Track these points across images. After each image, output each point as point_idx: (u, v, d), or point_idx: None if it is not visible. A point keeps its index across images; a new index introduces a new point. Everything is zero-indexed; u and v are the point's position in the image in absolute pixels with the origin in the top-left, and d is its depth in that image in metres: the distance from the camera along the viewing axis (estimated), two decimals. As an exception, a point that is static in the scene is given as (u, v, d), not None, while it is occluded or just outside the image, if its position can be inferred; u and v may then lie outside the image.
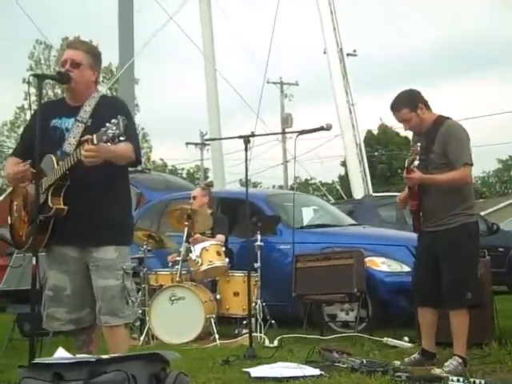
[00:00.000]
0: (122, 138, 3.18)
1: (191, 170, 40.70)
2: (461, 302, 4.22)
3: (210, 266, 6.39)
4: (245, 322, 6.07)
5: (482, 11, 61.49)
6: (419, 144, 4.31)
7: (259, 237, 6.41)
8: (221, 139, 15.07)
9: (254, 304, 6.08)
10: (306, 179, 35.76)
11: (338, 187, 23.99)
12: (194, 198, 7.13)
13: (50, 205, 3.42)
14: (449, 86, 58.10)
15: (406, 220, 8.32)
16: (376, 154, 33.13)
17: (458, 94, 56.94)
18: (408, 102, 4.40)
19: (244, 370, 4.27)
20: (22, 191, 3.61)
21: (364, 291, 5.96)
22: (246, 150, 5.32)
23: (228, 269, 6.51)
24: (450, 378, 3.66)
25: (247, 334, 5.25)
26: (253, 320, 5.87)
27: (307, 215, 8.21)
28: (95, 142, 3.21)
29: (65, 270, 3.53)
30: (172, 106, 52.11)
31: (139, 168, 8.42)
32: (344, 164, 22.76)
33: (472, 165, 4.32)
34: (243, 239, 6.46)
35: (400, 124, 4.58)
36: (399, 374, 3.88)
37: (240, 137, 5.37)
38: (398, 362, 4.38)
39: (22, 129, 31.92)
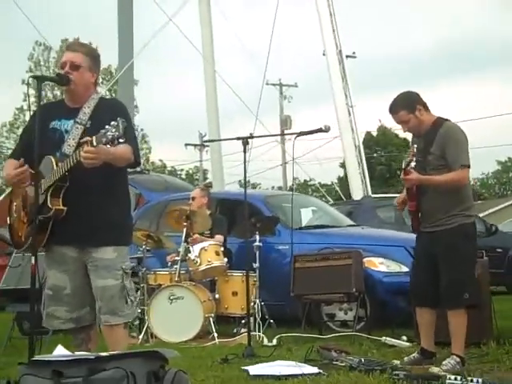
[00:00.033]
0: (121, 140, 3.20)
1: (190, 171, 40.71)
2: (458, 302, 4.24)
3: (208, 266, 6.41)
4: (243, 322, 6.10)
5: (481, 11, 61.61)
6: (415, 145, 4.33)
7: (258, 237, 6.44)
8: (219, 140, 15.10)
9: (252, 303, 6.09)
10: (305, 180, 35.85)
11: (337, 188, 24.05)
12: (193, 198, 7.16)
13: (50, 205, 3.44)
14: (448, 87, 58.21)
15: (405, 221, 8.35)
16: (375, 155, 33.18)
17: (457, 95, 57.10)
18: (406, 104, 4.42)
19: (243, 368, 4.29)
20: (22, 192, 3.63)
21: (362, 291, 5.98)
22: (244, 151, 5.34)
23: (227, 269, 6.53)
24: (448, 376, 3.67)
25: (246, 333, 5.27)
26: (251, 319, 5.90)
27: (306, 216, 8.23)
28: (94, 143, 3.23)
29: (64, 270, 3.55)
30: (171, 107, 52.19)
31: (138, 169, 8.44)
32: (343, 165, 22.79)
33: (469, 167, 4.34)
34: (242, 240, 6.49)
35: (399, 126, 4.61)
36: (397, 372, 3.90)
37: (238, 138, 5.39)
38: (397, 361, 4.40)
39: (21, 130, 31.82)
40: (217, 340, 5.89)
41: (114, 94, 28.67)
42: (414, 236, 4.64)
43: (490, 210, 26.43)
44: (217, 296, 6.45)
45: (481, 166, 39.73)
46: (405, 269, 6.19)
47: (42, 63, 33.29)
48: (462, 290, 4.23)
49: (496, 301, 5.44)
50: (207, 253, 6.44)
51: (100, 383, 2.59)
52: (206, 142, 30.39)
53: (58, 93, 28.76)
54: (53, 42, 30.10)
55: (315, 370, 4.14)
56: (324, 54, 15.74)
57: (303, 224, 7.82)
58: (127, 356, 2.72)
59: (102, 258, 3.49)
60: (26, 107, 31.17)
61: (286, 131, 26.08)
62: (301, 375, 4.00)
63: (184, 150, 34.09)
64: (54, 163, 3.45)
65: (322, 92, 38.65)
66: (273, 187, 33.75)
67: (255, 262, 6.35)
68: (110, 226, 3.50)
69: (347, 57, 16.64)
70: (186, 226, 6.54)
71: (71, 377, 2.60)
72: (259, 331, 6.04)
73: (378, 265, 6.44)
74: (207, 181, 28.04)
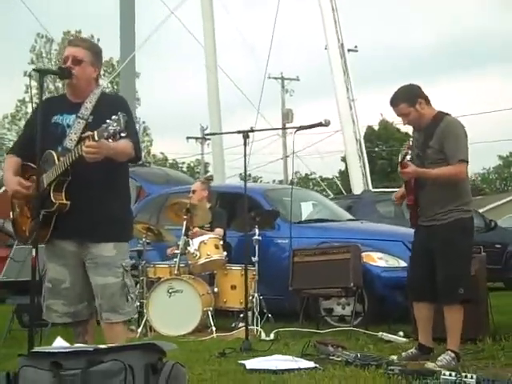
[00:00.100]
0: (122, 135, 3.22)
1: (192, 164, 40.75)
2: (453, 297, 4.27)
3: (207, 260, 6.43)
4: (242, 316, 6.13)
5: (482, 11, 61.44)
6: (411, 139, 4.36)
7: (257, 231, 6.46)
8: (220, 134, 15.12)
9: (250, 297, 6.13)
10: (306, 174, 35.84)
11: (338, 182, 24.05)
12: (194, 191, 7.18)
13: (53, 200, 3.46)
14: (449, 82, 58.13)
15: (405, 215, 8.36)
16: (376, 149, 33.15)
17: (458, 90, 56.95)
18: (407, 97, 4.43)
19: (240, 362, 4.32)
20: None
21: (360, 286, 6.01)
22: (245, 145, 5.36)
23: (226, 262, 6.55)
24: (443, 372, 3.68)
25: (244, 327, 5.30)
26: (249, 313, 5.94)
27: (306, 210, 8.25)
28: (96, 138, 3.25)
29: (64, 264, 3.58)
30: (173, 100, 52.19)
31: (139, 162, 8.46)
32: (344, 159, 22.77)
33: (468, 162, 4.35)
34: (241, 233, 6.52)
35: (401, 120, 4.63)
36: (392, 367, 3.92)
37: (239, 132, 5.41)
38: (394, 357, 4.42)
39: (22, 122, 32.07)
40: (215, 334, 5.92)
41: (115, 87, 28.71)
42: (412, 231, 4.66)
43: (491, 205, 26.45)
44: (215, 290, 6.48)
45: (482, 160, 39.75)
46: (403, 264, 6.21)
47: (43, 55, 33.25)
48: (457, 285, 4.26)
49: (493, 296, 5.47)
50: (206, 246, 6.47)
51: (98, 375, 2.62)
52: (207, 135, 30.39)
53: (60, 85, 28.71)
54: (55, 34, 30.12)
55: (311, 364, 4.17)
56: (326, 48, 15.73)
57: (303, 218, 7.85)
58: (125, 348, 2.75)
59: (101, 255, 3.51)
60: (27, 99, 31.21)
61: (287, 125, 26.09)
62: (297, 369, 4.03)
63: (185, 142, 34.09)
64: (56, 158, 3.47)
65: (323, 86, 38.69)
66: (274, 181, 33.80)
67: (254, 256, 6.38)
68: (111, 221, 3.52)
69: (349, 51, 16.61)
70: (186, 220, 6.57)
71: (70, 368, 2.64)
72: (257, 325, 6.08)
73: (377, 259, 6.47)
74: (208, 174, 28.07)
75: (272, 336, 5.65)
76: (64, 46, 3.97)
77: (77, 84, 3.57)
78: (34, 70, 3.67)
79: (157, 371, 2.75)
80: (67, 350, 2.72)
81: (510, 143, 36.88)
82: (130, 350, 2.73)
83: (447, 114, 4.49)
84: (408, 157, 4.25)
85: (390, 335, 5.33)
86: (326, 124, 5.38)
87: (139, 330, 6.15)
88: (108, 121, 3.21)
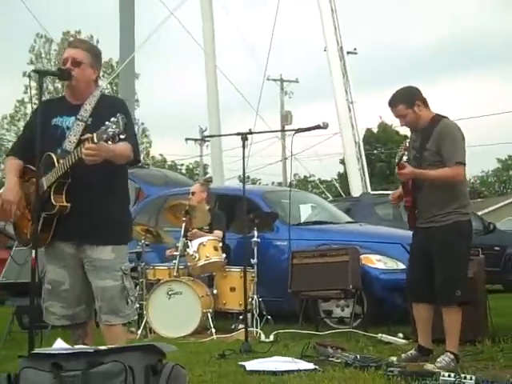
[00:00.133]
0: (121, 137, 3.23)
1: (190, 166, 40.74)
2: (450, 299, 4.28)
3: (206, 262, 6.44)
4: (241, 317, 6.13)
5: (482, 10, 61.53)
6: (408, 140, 4.38)
7: (256, 233, 6.47)
8: (219, 136, 15.12)
9: (250, 299, 6.14)
10: (305, 176, 35.86)
11: (337, 185, 24.06)
12: (193, 193, 7.18)
13: (53, 202, 3.46)
14: (449, 83, 58.20)
15: (403, 218, 8.37)
16: (375, 152, 33.19)
17: (458, 91, 57.02)
18: (405, 99, 4.46)
19: (240, 363, 4.33)
20: (24, 190, 3.65)
21: (359, 288, 6.02)
22: (243, 147, 5.37)
23: (225, 264, 6.56)
24: (442, 373, 3.70)
25: (243, 329, 5.31)
26: (249, 315, 5.94)
27: (305, 212, 8.26)
28: (95, 140, 3.25)
29: (63, 266, 3.58)
30: (172, 102, 52.22)
31: (138, 164, 8.46)
32: (343, 162, 22.81)
33: (465, 164, 4.37)
34: (240, 235, 6.53)
35: (398, 121, 4.66)
36: (392, 368, 3.94)
37: (238, 134, 5.42)
38: (394, 358, 4.43)
39: (21, 122, 32.07)
40: (215, 335, 5.93)
41: (115, 88, 28.72)
42: (411, 233, 4.67)
43: (490, 208, 26.48)
44: (215, 291, 6.48)
45: (481, 163, 39.84)
46: (402, 266, 6.23)
47: (43, 55, 33.24)
48: (455, 287, 4.28)
49: (492, 299, 5.48)
50: (205, 248, 6.48)
51: (98, 376, 2.63)
52: (206, 137, 30.41)
53: (59, 85, 28.75)
54: (54, 34, 30.12)
55: (311, 366, 4.18)
56: (325, 50, 15.76)
57: (302, 220, 7.86)
58: (125, 350, 2.76)
59: (99, 259, 3.51)
60: (27, 100, 31.21)
61: (286, 127, 26.12)
62: (296, 371, 4.05)
63: (184, 144, 34.09)
64: (56, 160, 3.48)
65: (322, 88, 38.72)
66: (273, 183, 33.84)
67: (253, 258, 6.39)
68: (110, 223, 3.53)
69: (348, 53, 16.66)
70: (184, 221, 6.58)
71: (70, 370, 2.64)
72: (257, 327, 6.08)
73: (375, 262, 6.48)
74: (207, 176, 28.08)
75: (272, 338, 5.65)
76: (63, 48, 3.98)
77: (76, 86, 3.58)
78: (33, 71, 3.67)
79: (157, 372, 2.76)
80: (68, 352, 2.73)
81: (508, 146, 36.93)
82: (130, 352, 2.74)
83: (444, 116, 4.52)
84: (404, 158, 4.28)
85: (389, 337, 5.34)
86: (325, 127, 5.40)
87: (139, 331, 6.16)
88: (107, 123, 3.22)
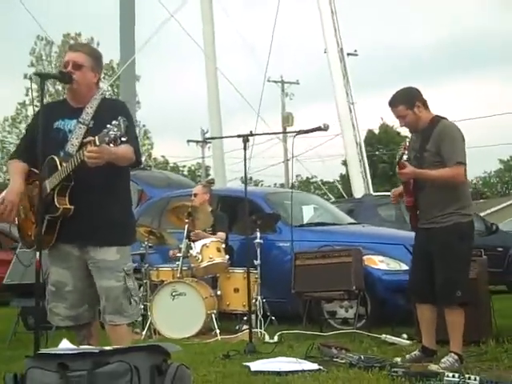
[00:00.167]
0: (123, 139, 3.25)
1: (192, 168, 40.75)
2: (451, 300, 4.29)
3: (210, 263, 6.45)
4: (245, 318, 6.14)
5: (482, 10, 61.52)
6: (408, 139, 4.39)
7: (259, 234, 6.48)
8: (220, 138, 15.14)
9: (254, 300, 6.15)
10: (307, 178, 35.86)
11: (339, 186, 24.07)
12: (195, 195, 7.20)
13: (57, 205, 3.48)
14: (449, 85, 58.17)
15: (405, 219, 8.37)
16: (377, 153, 33.18)
17: (459, 92, 57.02)
18: (405, 100, 4.49)
19: (244, 364, 4.34)
20: (28, 192, 3.67)
21: (362, 289, 6.03)
22: (244, 148, 5.38)
23: (228, 265, 6.57)
24: (446, 373, 3.71)
25: (247, 330, 5.32)
26: (253, 316, 5.95)
27: (307, 213, 8.27)
28: (97, 143, 3.28)
29: (67, 267, 3.60)
30: (173, 103, 52.20)
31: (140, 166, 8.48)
32: (345, 163, 22.83)
33: (465, 164, 4.38)
34: (243, 236, 6.53)
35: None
36: (396, 369, 3.94)
37: (239, 136, 5.43)
38: (398, 359, 4.44)
39: (23, 124, 32.08)
40: (219, 336, 5.95)
41: (115, 90, 28.75)
42: (413, 234, 4.68)
43: (493, 209, 26.47)
44: (218, 293, 6.50)
45: (483, 164, 39.80)
46: (404, 267, 6.23)
47: (43, 58, 33.26)
48: (455, 288, 4.28)
49: (495, 300, 5.50)
50: (209, 249, 6.49)
51: (104, 376, 2.65)
52: (207, 139, 30.42)
53: (60, 88, 28.78)
54: (54, 36, 30.13)
55: (315, 366, 4.20)
56: (325, 52, 15.77)
57: (304, 221, 7.86)
58: (131, 350, 2.78)
59: (104, 260, 3.53)
60: (28, 102, 31.24)
61: (287, 128, 26.11)
62: (301, 371, 4.06)
63: (186, 146, 34.11)
64: (59, 163, 3.50)
65: (323, 89, 38.70)
66: (275, 184, 33.83)
67: (256, 259, 6.40)
68: (111, 225, 3.55)
69: (348, 54, 16.67)
70: (187, 223, 6.59)
71: (76, 370, 2.66)
72: (261, 328, 6.09)
73: (378, 263, 6.49)
74: (209, 177, 28.11)
75: (276, 338, 5.66)
76: (64, 50, 4.01)
77: (77, 89, 3.60)
78: (34, 74, 3.70)
79: (162, 372, 2.77)
80: (73, 352, 2.74)
81: (510, 147, 36.91)
82: (135, 352, 2.76)
83: (444, 117, 4.54)
84: (405, 157, 4.29)
85: (393, 337, 5.35)
86: (325, 128, 5.41)
87: (144, 332, 6.18)
88: (109, 126, 3.24)
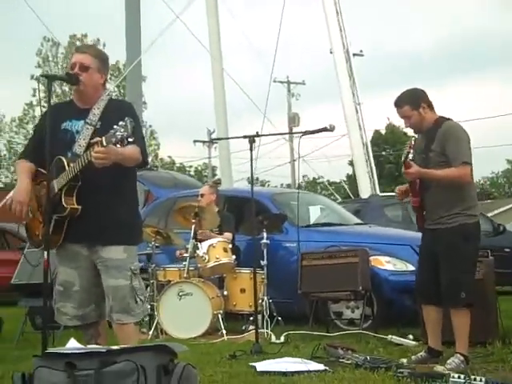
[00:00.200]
0: (130, 140, 3.28)
1: (199, 168, 40.80)
2: (455, 301, 4.29)
3: (216, 263, 6.47)
4: (251, 319, 6.15)
5: (482, 11, 61.24)
6: (413, 138, 4.41)
7: (265, 235, 6.49)
8: (227, 139, 15.16)
9: (260, 301, 6.16)
10: (314, 178, 35.85)
11: (346, 186, 24.05)
12: (202, 195, 7.21)
13: (64, 205, 3.52)
14: (457, 84, 57.95)
15: (412, 219, 8.37)
16: (384, 153, 33.13)
17: (466, 92, 56.81)
18: (411, 100, 4.50)
19: (250, 364, 4.36)
20: (35, 192, 3.70)
21: (369, 289, 6.03)
22: (251, 149, 5.39)
23: (235, 266, 6.59)
24: (452, 375, 3.71)
25: (254, 330, 5.33)
26: (259, 316, 5.96)
27: (314, 214, 8.28)
28: (104, 143, 3.30)
29: (75, 267, 3.63)
30: (180, 104, 52.28)
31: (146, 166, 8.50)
32: (352, 163, 22.81)
33: (471, 164, 4.38)
34: (250, 237, 6.55)
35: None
36: (401, 370, 3.95)
37: (245, 137, 5.44)
38: (404, 360, 4.44)
39: (30, 125, 32.19)
40: (225, 336, 5.96)
41: (122, 90, 28.80)
42: (420, 235, 4.69)
43: (500, 209, 26.38)
44: (225, 293, 6.51)
45: (491, 164, 39.67)
46: (411, 267, 6.23)
47: (50, 59, 33.37)
48: (459, 289, 4.28)
49: (502, 300, 5.48)
50: (215, 250, 6.51)
51: (111, 376, 2.67)
52: (213, 139, 30.45)
53: (67, 88, 28.85)
54: (61, 37, 30.24)
55: (321, 366, 4.21)
56: (331, 52, 15.77)
57: (311, 222, 7.87)
58: (137, 349, 2.80)
59: (111, 258, 3.56)
60: (35, 102, 31.33)
61: (293, 129, 26.12)
62: (307, 372, 4.07)
63: (193, 146, 34.16)
64: (66, 163, 3.54)
65: (329, 89, 38.66)
66: (281, 185, 33.82)
67: (263, 260, 6.41)
68: (118, 225, 3.58)
69: (354, 55, 16.64)
70: (194, 223, 6.60)
71: (84, 369, 2.68)
72: (267, 328, 6.10)
73: (385, 263, 6.49)
74: (216, 177, 28.14)
75: (282, 339, 5.67)
76: (71, 51, 4.03)
77: (84, 90, 3.63)
78: (42, 75, 3.72)
79: (168, 372, 2.79)
80: (81, 351, 2.77)
81: (518, 147, 36.75)
82: (142, 351, 2.78)
83: (448, 118, 4.55)
84: (410, 156, 4.30)
85: (399, 338, 5.35)
86: (331, 129, 5.41)
87: (150, 332, 6.20)
88: (115, 126, 3.27)
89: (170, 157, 38.30)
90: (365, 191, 14.73)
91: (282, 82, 30.93)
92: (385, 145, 34.19)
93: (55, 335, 4.84)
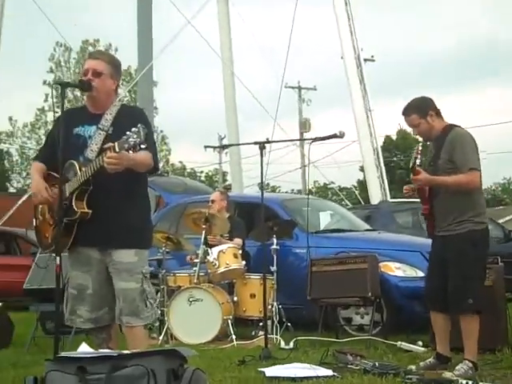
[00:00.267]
0: (142, 146, 3.34)
1: (210, 173, 40.86)
2: (463, 307, 4.30)
3: (227, 269, 6.49)
4: (261, 324, 6.17)
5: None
6: (421, 144, 4.44)
7: (275, 240, 6.52)
8: (237, 145, 15.21)
9: (270, 306, 6.18)
10: (325, 184, 35.80)
11: (356, 192, 24.02)
12: (213, 201, 7.24)
13: (75, 208, 3.58)
14: (457, 96, 57.56)
15: (422, 225, 8.37)
16: (395, 159, 33.06)
17: (474, 100, 56.48)
18: (418, 109, 4.53)
19: (259, 369, 4.38)
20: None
21: (378, 295, 6.04)
22: (261, 155, 5.42)
23: (245, 271, 6.61)
24: (460, 381, 3.73)
25: (263, 336, 5.35)
26: (269, 322, 5.98)
27: (324, 220, 8.29)
28: (117, 149, 3.36)
29: (87, 270, 3.68)
30: (191, 109, 52.37)
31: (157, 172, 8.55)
32: (362, 169, 22.80)
33: (479, 170, 4.40)
34: (260, 243, 6.58)
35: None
36: (410, 376, 3.96)
37: (255, 143, 5.48)
38: (413, 367, 4.44)
39: (42, 130, 32.39)
40: (235, 342, 5.98)
41: (133, 95, 28.91)
42: (430, 241, 4.71)
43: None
44: (235, 298, 6.53)
45: (503, 170, 39.39)
46: (421, 274, 6.22)
47: (62, 64, 33.60)
48: (466, 295, 4.29)
49: (512, 307, 5.46)
50: (225, 255, 6.53)
51: (122, 380, 2.70)
52: (224, 146, 30.48)
53: (79, 93, 29.01)
54: (73, 43, 30.38)
55: (330, 372, 4.23)
56: (342, 58, 15.79)
57: (321, 228, 7.88)
58: (148, 354, 2.84)
59: (122, 262, 3.60)
60: (47, 108, 31.54)
61: (304, 134, 26.16)
62: (315, 377, 4.09)
63: (203, 151, 34.21)
64: (78, 168, 3.59)
65: (341, 95, 38.66)
66: (292, 190, 33.82)
67: (273, 266, 6.43)
68: (128, 229, 3.62)
69: (366, 60, 16.68)
70: (204, 229, 6.64)
71: (95, 373, 2.72)
72: (276, 334, 6.12)
73: (395, 269, 6.49)
74: (226, 183, 28.18)
75: (291, 344, 5.68)
76: (84, 58, 4.10)
77: (97, 96, 3.68)
78: (55, 82, 3.79)
79: (178, 377, 2.82)
80: (92, 355, 2.81)
81: (531, 154, 36.44)
82: (152, 356, 2.81)
83: (457, 125, 4.57)
84: (418, 161, 4.33)
85: (408, 345, 5.35)
86: (341, 136, 5.44)
87: (160, 337, 6.22)
88: (128, 133, 3.32)
89: (180, 162, 38.41)
90: (375, 197, 14.72)
91: (293, 88, 30.93)
92: (396, 150, 34.12)
93: (66, 340, 4.87)
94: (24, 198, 14.63)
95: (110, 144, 3.41)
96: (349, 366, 4.43)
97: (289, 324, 6.40)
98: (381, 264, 6.24)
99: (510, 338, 5.15)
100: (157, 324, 6.38)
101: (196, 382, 2.87)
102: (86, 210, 3.59)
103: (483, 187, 4.66)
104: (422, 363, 4.50)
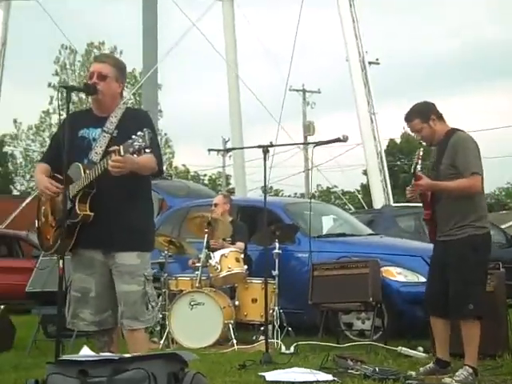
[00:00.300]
0: (147, 150, 3.36)
1: (213, 177, 40.89)
2: (463, 313, 4.31)
3: (228, 273, 6.51)
4: (262, 329, 6.18)
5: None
6: (422, 149, 4.46)
7: (277, 245, 6.53)
8: (241, 148, 15.24)
9: (271, 311, 6.19)
10: (328, 187, 35.79)
11: (359, 196, 24.01)
12: (216, 205, 7.25)
13: (78, 211, 3.60)
14: (462, 98, 57.49)
15: (425, 230, 8.37)
16: (399, 163, 33.03)
17: (476, 103, 56.33)
18: (420, 114, 4.56)
19: (260, 374, 4.40)
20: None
21: (379, 300, 6.04)
22: (264, 159, 5.44)
23: (246, 275, 6.62)
24: (460, 386, 3.73)
25: (264, 340, 5.36)
26: (270, 327, 5.99)
27: (327, 224, 8.30)
28: (122, 153, 3.38)
29: (91, 273, 3.70)
30: (195, 112, 52.42)
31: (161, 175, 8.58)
32: (366, 173, 22.79)
33: (481, 175, 4.41)
34: (262, 247, 6.59)
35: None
36: (410, 381, 3.97)
37: (259, 146, 5.50)
38: (413, 372, 4.45)
39: (47, 133, 32.46)
40: (236, 346, 5.99)
41: (138, 98, 28.98)
42: (431, 246, 4.72)
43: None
44: (236, 303, 6.54)
45: (507, 175, 39.24)
46: (422, 279, 6.20)
47: (67, 66, 33.69)
48: (467, 301, 4.30)
49: (512, 313, 5.46)
50: (227, 259, 6.55)
51: (123, 383, 2.73)
52: (228, 149, 30.49)
53: (84, 96, 29.08)
54: (78, 45, 30.49)
55: (329, 377, 4.24)
56: (347, 60, 15.81)
57: (324, 232, 7.89)
58: (149, 357, 2.87)
59: (124, 264, 3.62)
60: (51, 110, 31.62)
61: (308, 137, 26.17)
62: (315, 382, 4.11)
63: (207, 154, 34.25)
64: (82, 170, 3.62)
65: (345, 98, 38.63)
66: (295, 194, 33.79)
67: (275, 270, 6.45)
68: (131, 232, 3.64)
69: (370, 63, 16.71)
70: (207, 233, 6.65)
71: (96, 376, 2.75)
72: (277, 338, 6.14)
73: (396, 274, 6.50)
74: (230, 186, 28.19)
75: (292, 349, 5.69)
76: (89, 61, 4.14)
77: (102, 99, 3.71)
78: (60, 86, 3.82)
79: (179, 380, 2.85)
80: (94, 359, 2.83)
81: (535, 157, 36.36)
82: (153, 359, 2.84)
83: (460, 130, 4.59)
84: (418, 167, 4.35)
85: (409, 350, 5.35)
86: (344, 140, 5.46)
87: (161, 341, 6.23)
88: (134, 136, 3.34)
89: (184, 165, 38.44)
90: (378, 201, 14.73)
91: (297, 91, 30.90)
92: (400, 154, 34.09)
93: (67, 344, 4.88)
94: (27, 200, 14.70)
95: (115, 147, 3.44)
96: (349, 371, 4.45)
97: (289, 329, 6.42)
98: (382, 269, 6.25)
99: (510, 344, 5.15)
100: (158, 328, 6.40)
101: (196, 386, 2.89)
102: (89, 213, 3.61)
103: (487, 192, 4.67)
104: (421, 368, 4.51)
